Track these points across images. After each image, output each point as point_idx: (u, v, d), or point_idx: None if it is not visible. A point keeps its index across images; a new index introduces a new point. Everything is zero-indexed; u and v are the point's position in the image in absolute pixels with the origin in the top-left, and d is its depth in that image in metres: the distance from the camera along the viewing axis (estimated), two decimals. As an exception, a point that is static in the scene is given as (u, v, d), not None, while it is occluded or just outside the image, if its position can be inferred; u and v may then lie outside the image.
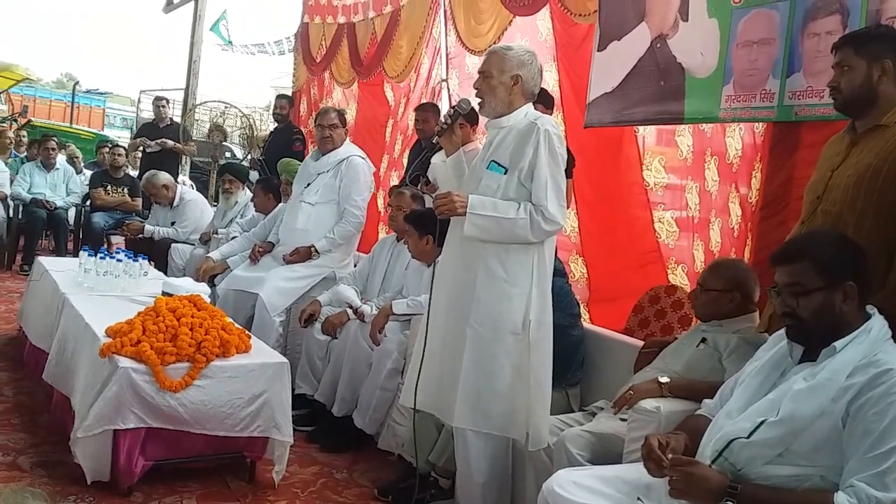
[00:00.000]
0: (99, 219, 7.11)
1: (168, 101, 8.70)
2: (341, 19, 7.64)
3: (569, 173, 4.17)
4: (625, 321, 3.78)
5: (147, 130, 8.63)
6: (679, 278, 3.93)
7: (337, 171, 4.47)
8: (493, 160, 2.75)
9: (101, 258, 4.01)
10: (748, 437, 1.84)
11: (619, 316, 3.87)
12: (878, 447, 1.67)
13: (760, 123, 3.40)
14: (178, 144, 7.85)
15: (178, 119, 9.86)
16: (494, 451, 2.76)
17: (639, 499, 1.96)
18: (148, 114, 9.90)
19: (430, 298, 2.83)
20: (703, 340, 2.68)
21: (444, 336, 2.77)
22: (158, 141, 8.02)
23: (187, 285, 3.84)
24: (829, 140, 2.58)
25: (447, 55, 5.90)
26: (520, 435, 2.70)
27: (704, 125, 3.72)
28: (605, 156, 4.29)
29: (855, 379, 1.76)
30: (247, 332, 3.32)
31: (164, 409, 2.87)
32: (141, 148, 8.25)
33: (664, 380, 2.51)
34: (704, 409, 2.19)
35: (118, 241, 6.84)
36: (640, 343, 3.15)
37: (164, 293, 3.67)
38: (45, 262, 4.59)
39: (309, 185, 4.50)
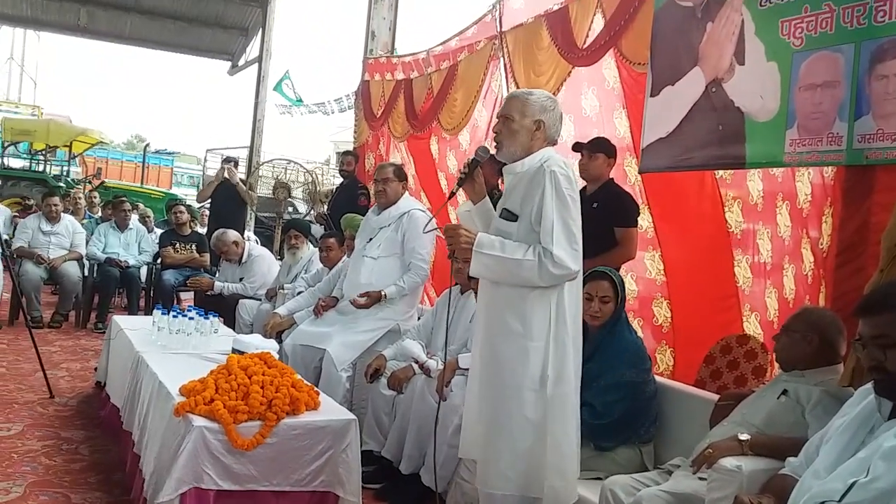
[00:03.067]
0: (169, 276, 7.31)
1: (237, 163, 8.91)
2: (399, 76, 7.82)
3: (634, 221, 4.14)
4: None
5: (219, 189, 8.88)
6: (753, 327, 3.82)
7: (398, 225, 4.51)
8: (504, 208, 2.72)
9: (173, 317, 4.10)
10: (840, 500, 1.75)
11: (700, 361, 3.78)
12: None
13: (829, 167, 3.32)
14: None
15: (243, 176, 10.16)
16: None
17: None
18: (212, 172, 10.20)
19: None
20: (784, 392, 2.59)
21: (478, 388, 2.74)
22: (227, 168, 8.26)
23: (256, 342, 3.89)
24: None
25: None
26: (538, 493, 2.61)
27: (774, 169, 3.65)
28: (690, 199, 4.24)
29: (950, 435, 1.68)
30: (315, 388, 3.34)
31: (236, 467, 2.89)
32: (223, 177, 8.44)
33: (744, 437, 2.42)
34: (789, 468, 2.11)
35: (188, 297, 7.01)
36: (715, 396, 3.06)
37: (234, 350, 3.73)
38: (120, 321, 4.73)
39: (371, 239, 4.56)
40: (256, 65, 13.84)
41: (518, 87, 5.68)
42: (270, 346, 3.88)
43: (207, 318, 4.20)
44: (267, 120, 13.73)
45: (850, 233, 3.18)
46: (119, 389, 4.06)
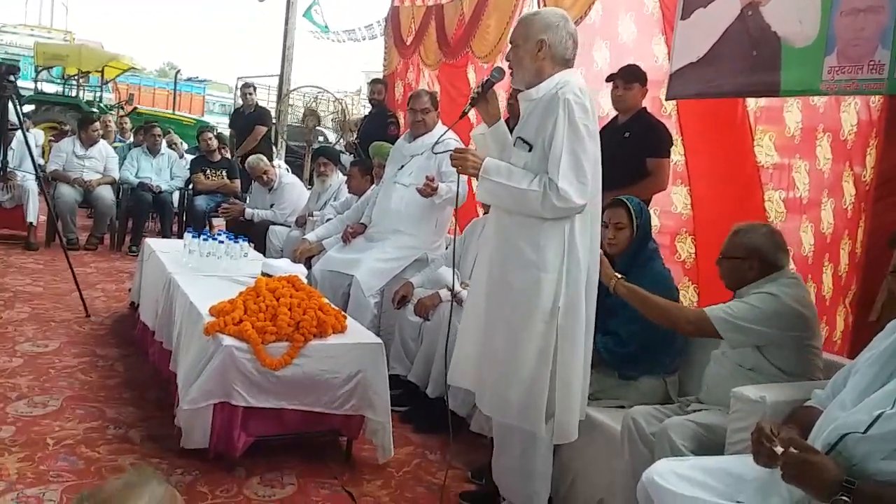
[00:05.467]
0: (201, 202, 7.39)
1: (254, 88, 8.90)
2: (430, 1, 7.64)
3: (666, 152, 4.06)
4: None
5: (235, 117, 8.92)
6: (784, 262, 3.76)
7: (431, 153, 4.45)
8: (519, 136, 2.64)
9: (204, 240, 4.15)
10: (864, 431, 1.73)
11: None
12: None
13: (877, 97, 3.19)
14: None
15: (267, 105, 10.12)
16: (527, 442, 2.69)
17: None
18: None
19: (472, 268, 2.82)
20: None
21: (484, 315, 2.72)
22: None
23: (285, 266, 3.93)
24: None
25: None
26: (537, 427, 2.59)
27: (815, 99, 3.52)
28: (720, 132, 4.12)
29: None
30: (343, 312, 3.38)
31: (265, 385, 2.96)
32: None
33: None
34: (815, 400, 2.09)
35: (219, 223, 7.06)
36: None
37: (263, 273, 3.77)
38: (153, 243, 4.80)
39: (403, 167, 4.53)
40: (286, -10, 13.60)
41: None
42: (299, 270, 3.91)
43: (237, 242, 4.24)
44: (298, 48, 13.57)
45: (891, 165, 3.09)
46: (150, 310, 4.15)
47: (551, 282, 2.56)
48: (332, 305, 3.40)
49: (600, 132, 4.30)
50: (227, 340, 2.95)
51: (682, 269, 4.40)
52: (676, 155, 4.39)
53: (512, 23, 5.95)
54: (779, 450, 1.77)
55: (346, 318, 3.32)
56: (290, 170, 8.06)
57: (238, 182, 7.73)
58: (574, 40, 2.64)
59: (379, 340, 3.25)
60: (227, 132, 10.13)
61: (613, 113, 4.28)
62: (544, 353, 2.57)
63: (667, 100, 4.15)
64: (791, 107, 3.75)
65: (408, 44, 8.07)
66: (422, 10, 7.77)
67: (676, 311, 2.71)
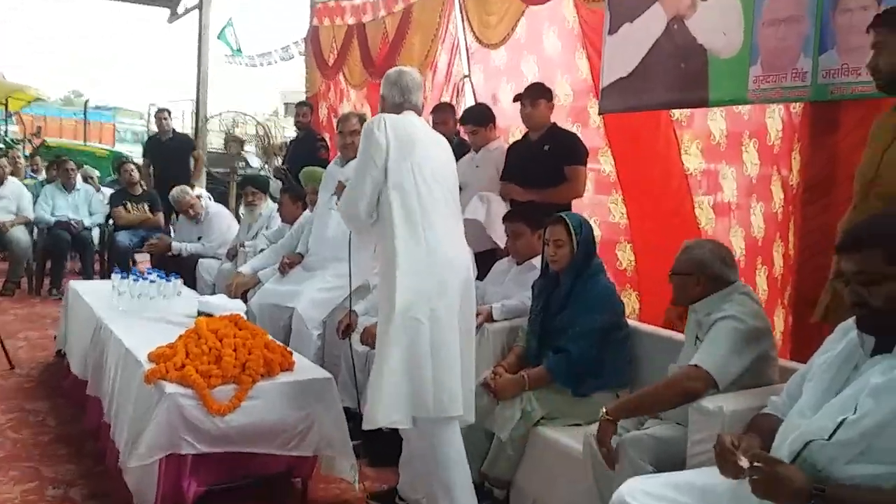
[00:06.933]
0: (123, 237, 7.06)
1: (170, 113, 8.55)
2: (350, 20, 7.60)
3: (583, 161, 4.13)
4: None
5: (152, 145, 8.58)
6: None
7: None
8: None
9: (134, 280, 3.98)
10: (829, 438, 1.77)
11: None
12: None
13: (797, 103, 3.31)
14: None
15: (181, 130, 9.79)
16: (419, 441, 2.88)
17: None
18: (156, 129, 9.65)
19: None
20: (697, 338, 2.60)
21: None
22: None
23: (224, 303, 3.80)
24: (877, 119, 2.51)
25: (467, 51, 5.84)
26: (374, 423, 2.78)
27: (740, 107, 3.63)
28: (647, 142, 4.22)
29: (937, 370, 1.69)
30: (288, 348, 3.29)
31: (214, 432, 2.84)
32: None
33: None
34: (771, 408, 2.12)
35: (144, 259, 6.82)
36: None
37: (201, 313, 3.64)
38: (78, 286, 4.58)
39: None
40: (197, 12, 13.29)
41: (473, 30, 5.57)
42: (237, 306, 3.80)
43: (169, 281, 4.09)
44: (212, 71, 13.26)
45: (818, 169, 3.20)
46: (80, 357, 3.95)
47: (386, 286, 2.79)
48: (277, 342, 3.31)
49: (511, 149, 4.43)
50: (171, 387, 2.82)
51: (624, 276, 4.48)
52: (608, 166, 4.46)
53: (437, 39, 5.98)
54: (744, 463, 1.80)
55: (292, 354, 3.23)
56: (212, 198, 7.84)
57: (161, 215, 7.44)
58: (401, 88, 2.97)
59: (329, 375, 3.18)
60: (141, 162, 9.80)
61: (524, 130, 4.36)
62: (379, 355, 2.77)
63: (599, 114, 4.22)
64: (714, 115, 3.86)
65: (330, 64, 8.01)
66: (343, 29, 7.71)
67: (669, 382, 2.52)
